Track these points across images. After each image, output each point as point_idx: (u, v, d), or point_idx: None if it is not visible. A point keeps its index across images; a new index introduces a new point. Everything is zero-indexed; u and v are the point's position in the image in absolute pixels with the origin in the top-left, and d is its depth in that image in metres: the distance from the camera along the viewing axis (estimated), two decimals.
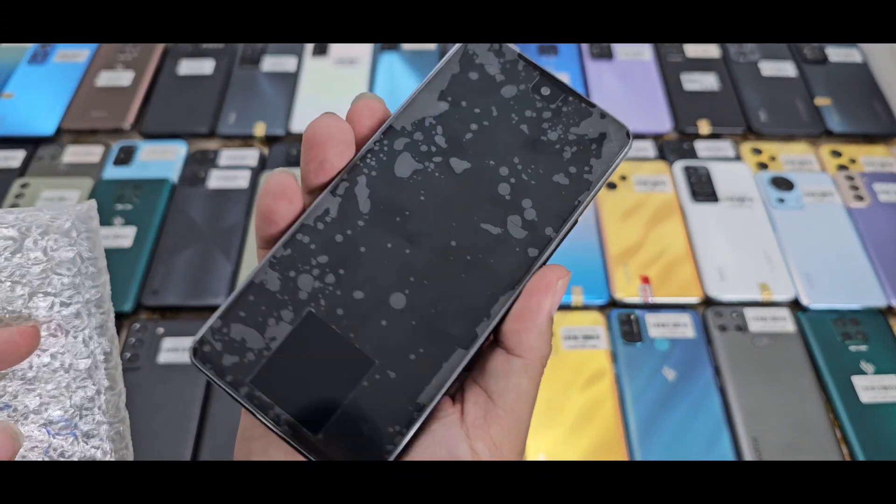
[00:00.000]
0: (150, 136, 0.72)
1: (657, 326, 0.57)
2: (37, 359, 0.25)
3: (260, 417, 0.21)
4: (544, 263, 0.23)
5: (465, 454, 0.21)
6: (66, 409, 0.25)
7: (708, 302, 0.59)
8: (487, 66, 0.25)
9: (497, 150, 0.24)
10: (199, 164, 0.68)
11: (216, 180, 0.67)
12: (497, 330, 0.23)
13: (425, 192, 0.23)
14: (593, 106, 0.25)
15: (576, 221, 0.24)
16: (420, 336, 0.22)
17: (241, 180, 0.66)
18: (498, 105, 0.25)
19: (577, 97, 0.25)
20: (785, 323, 0.58)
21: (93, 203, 0.28)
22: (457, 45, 0.26)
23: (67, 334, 0.26)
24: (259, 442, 0.23)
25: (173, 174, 0.68)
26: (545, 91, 0.25)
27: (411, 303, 0.22)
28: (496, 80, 0.25)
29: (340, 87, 0.75)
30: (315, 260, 0.23)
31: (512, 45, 0.25)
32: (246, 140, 0.72)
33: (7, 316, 0.25)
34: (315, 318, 0.22)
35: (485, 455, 0.21)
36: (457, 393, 0.23)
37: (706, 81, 0.76)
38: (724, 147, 0.71)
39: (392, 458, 0.21)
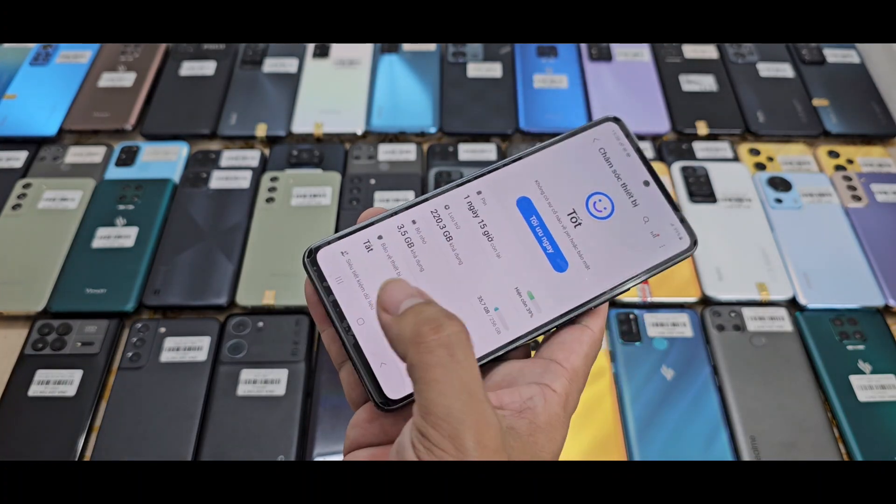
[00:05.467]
0: (152, 136, 0.72)
1: (655, 326, 0.58)
2: None
3: (336, 324, 0.26)
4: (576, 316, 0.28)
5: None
6: None
7: (706, 301, 0.60)
8: (605, 145, 0.29)
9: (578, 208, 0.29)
10: (200, 164, 0.69)
11: (218, 181, 0.67)
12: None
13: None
14: (677, 209, 0.29)
15: (626, 290, 0.28)
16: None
17: (243, 181, 0.67)
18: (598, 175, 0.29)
19: (666, 195, 0.29)
20: (783, 322, 0.58)
21: None
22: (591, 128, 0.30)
23: None
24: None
25: (175, 175, 0.68)
26: (641, 177, 0.29)
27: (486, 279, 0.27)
28: (607, 156, 0.29)
29: (341, 88, 0.75)
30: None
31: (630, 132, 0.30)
32: (247, 141, 0.72)
33: None
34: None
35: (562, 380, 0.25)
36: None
37: (704, 82, 0.76)
38: (722, 148, 0.71)
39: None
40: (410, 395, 0.25)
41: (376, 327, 0.25)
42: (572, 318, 0.27)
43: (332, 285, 0.27)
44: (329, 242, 0.27)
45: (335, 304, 0.26)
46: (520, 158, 0.29)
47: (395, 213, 0.28)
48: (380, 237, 0.27)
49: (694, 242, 0.28)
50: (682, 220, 0.28)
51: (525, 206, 0.28)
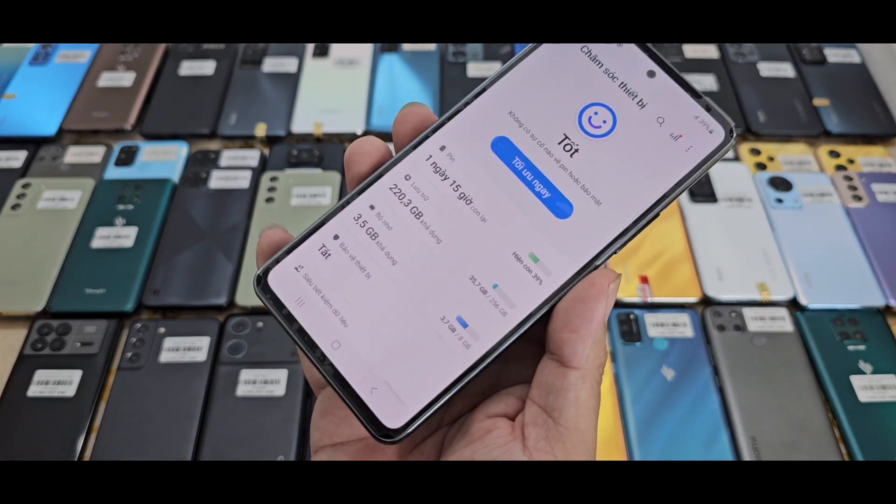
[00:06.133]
0: (152, 136, 0.72)
1: (656, 326, 0.57)
2: None
3: (307, 353, 0.22)
4: (607, 257, 0.22)
5: None
6: None
7: (707, 302, 0.60)
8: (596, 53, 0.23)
9: (573, 123, 0.23)
10: (200, 164, 0.68)
11: (217, 181, 0.67)
12: (548, 341, 0.22)
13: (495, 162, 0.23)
14: (699, 96, 0.23)
15: (656, 215, 0.22)
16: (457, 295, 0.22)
17: (242, 181, 0.67)
18: (592, 78, 0.23)
19: (681, 82, 0.23)
20: (783, 323, 0.58)
21: None
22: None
23: None
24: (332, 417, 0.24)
25: (174, 174, 0.68)
26: (643, 68, 0.23)
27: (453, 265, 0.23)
28: (599, 60, 0.23)
29: (341, 87, 0.75)
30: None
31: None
32: (247, 140, 0.72)
33: None
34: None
35: None
36: (516, 415, 0.22)
37: (705, 82, 0.76)
38: None
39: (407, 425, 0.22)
40: (414, 420, 0.21)
41: (356, 348, 0.22)
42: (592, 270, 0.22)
43: (293, 310, 0.22)
44: (278, 260, 0.23)
45: (301, 331, 0.22)
46: (484, 91, 0.23)
47: (349, 201, 0.23)
48: (336, 237, 0.23)
49: (730, 132, 0.22)
50: (709, 108, 0.22)
51: (503, 148, 0.23)
